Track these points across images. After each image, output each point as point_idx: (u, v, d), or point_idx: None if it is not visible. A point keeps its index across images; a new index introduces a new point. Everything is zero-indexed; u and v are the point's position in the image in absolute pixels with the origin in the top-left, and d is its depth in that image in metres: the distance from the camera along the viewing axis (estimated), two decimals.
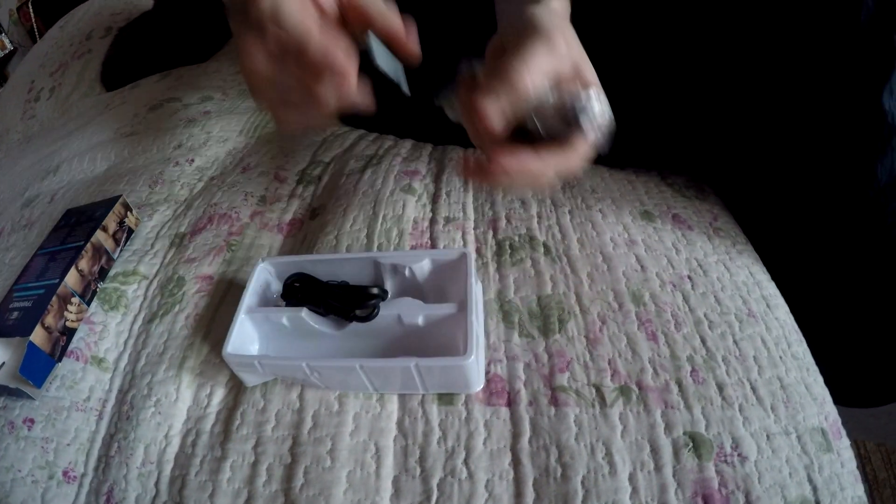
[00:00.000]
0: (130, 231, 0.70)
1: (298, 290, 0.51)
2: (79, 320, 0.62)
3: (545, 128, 0.39)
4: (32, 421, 0.55)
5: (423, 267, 0.51)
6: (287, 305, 0.51)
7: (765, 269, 0.57)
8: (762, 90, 0.54)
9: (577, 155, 0.40)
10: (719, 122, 0.58)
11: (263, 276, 0.55)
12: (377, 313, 0.47)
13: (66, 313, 0.61)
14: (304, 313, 0.49)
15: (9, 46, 2.78)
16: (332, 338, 0.50)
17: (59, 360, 0.59)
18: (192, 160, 0.79)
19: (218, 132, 0.83)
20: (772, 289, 0.55)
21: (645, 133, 0.61)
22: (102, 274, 0.65)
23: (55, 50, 1.69)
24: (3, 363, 0.63)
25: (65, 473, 0.51)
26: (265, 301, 0.54)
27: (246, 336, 0.51)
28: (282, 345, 0.52)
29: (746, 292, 0.53)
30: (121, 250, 0.68)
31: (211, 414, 0.51)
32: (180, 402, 0.52)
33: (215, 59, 1.07)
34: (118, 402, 0.55)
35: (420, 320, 0.47)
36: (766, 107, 0.54)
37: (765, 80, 0.53)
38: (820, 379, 0.48)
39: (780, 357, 0.47)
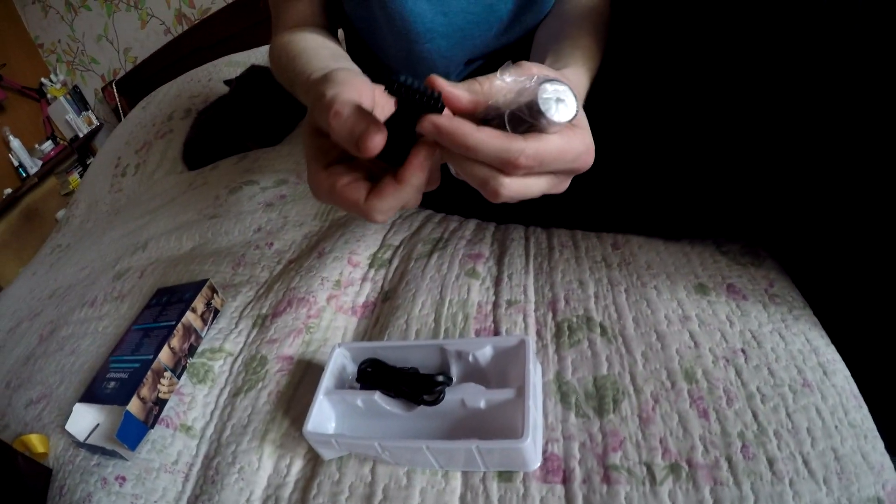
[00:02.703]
0: (216, 311, 0.76)
1: (371, 375, 0.56)
2: (170, 392, 0.67)
3: (514, 128, 0.38)
4: (124, 479, 0.61)
5: (485, 353, 0.55)
6: (361, 388, 0.56)
7: (823, 333, 0.56)
8: (815, 145, 0.53)
9: (554, 144, 0.38)
10: (772, 183, 0.58)
11: (340, 360, 0.59)
12: (443, 398, 0.51)
13: (159, 386, 0.67)
14: (377, 396, 0.53)
15: (95, 122, 3.02)
16: (401, 418, 0.54)
17: (152, 426, 0.64)
18: (272, 244, 0.86)
19: (294, 216, 0.90)
20: (830, 354, 0.54)
21: (699, 201, 0.63)
22: (192, 350, 0.71)
23: (139, 129, 1.84)
24: (98, 425, 0.69)
25: None
26: (341, 382, 0.59)
27: (324, 415, 0.56)
28: (356, 423, 0.56)
29: (802, 361, 0.52)
30: (208, 329, 0.74)
31: (290, 483, 0.55)
32: (262, 470, 0.57)
33: (288, 142, 1.16)
34: (204, 466, 0.60)
35: (482, 404, 0.50)
36: (818, 163, 0.54)
37: (818, 135, 0.52)
38: (880, 445, 0.47)
39: (836, 426, 0.47)
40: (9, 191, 2.74)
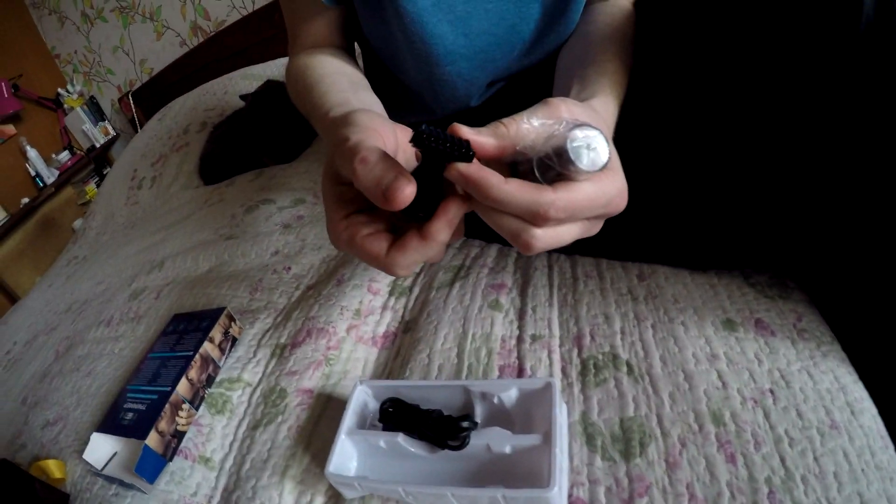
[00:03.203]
0: (234, 339, 0.76)
1: (393, 415, 0.54)
2: (188, 424, 0.67)
3: (543, 174, 0.37)
4: None
5: (510, 395, 0.53)
6: (383, 428, 0.54)
7: (851, 369, 0.55)
8: (841, 174, 0.52)
9: (585, 193, 0.37)
10: (800, 212, 0.57)
11: (362, 397, 0.58)
12: (468, 443, 0.50)
13: (177, 418, 0.66)
14: (401, 438, 0.52)
15: (112, 133, 3.04)
16: (424, 460, 0.52)
17: (171, 459, 0.64)
18: (289, 268, 0.85)
19: (312, 239, 0.89)
20: (857, 392, 0.52)
21: (726, 231, 0.61)
22: (210, 381, 0.70)
23: (155, 141, 1.84)
24: (116, 453, 0.68)
25: None
26: (363, 418, 0.57)
27: (346, 455, 0.54)
28: (378, 463, 0.55)
29: (830, 401, 0.51)
30: (226, 358, 0.73)
31: None
32: None
33: (304, 159, 1.15)
34: (223, 499, 0.59)
35: (507, 449, 0.49)
36: (845, 191, 0.53)
37: (843, 163, 0.51)
38: None
39: (863, 470, 0.46)
40: (26, 200, 2.76)
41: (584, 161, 0.35)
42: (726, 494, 0.46)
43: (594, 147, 0.35)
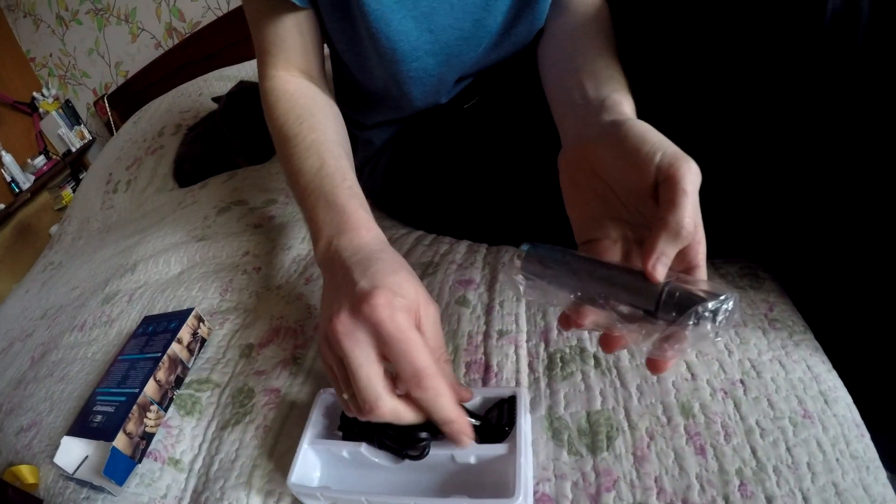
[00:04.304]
0: (203, 340, 0.75)
1: (354, 423, 0.53)
2: (157, 425, 0.66)
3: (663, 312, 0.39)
4: None
5: (474, 403, 0.53)
6: (343, 438, 0.54)
7: (825, 358, 0.55)
8: (818, 160, 0.53)
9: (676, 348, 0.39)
10: (774, 199, 0.57)
11: (325, 402, 0.58)
12: (427, 453, 0.49)
13: (145, 420, 0.65)
14: (364, 448, 0.51)
15: (88, 137, 3.01)
16: (388, 470, 0.52)
17: (140, 461, 0.63)
18: (259, 268, 0.85)
19: (282, 240, 0.89)
20: (831, 380, 0.53)
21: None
22: (178, 382, 0.70)
23: (130, 145, 1.83)
24: (87, 457, 0.68)
25: None
26: (328, 424, 0.57)
27: (309, 465, 0.54)
28: (342, 473, 0.55)
29: (803, 390, 0.51)
30: (195, 359, 0.73)
31: None
32: None
33: (276, 160, 1.14)
34: (192, 501, 0.58)
35: (472, 459, 0.49)
36: (820, 176, 0.53)
37: (820, 149, 0.52)
38: (882, 476, 0.46)
39: (837, 459, 0.46)
40: (1, 206, 2.73)
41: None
42: (696, 487, 0.46)
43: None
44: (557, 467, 0.50)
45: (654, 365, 0.42)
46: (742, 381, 0.52)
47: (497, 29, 0.72)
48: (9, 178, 2.84)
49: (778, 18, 0.50)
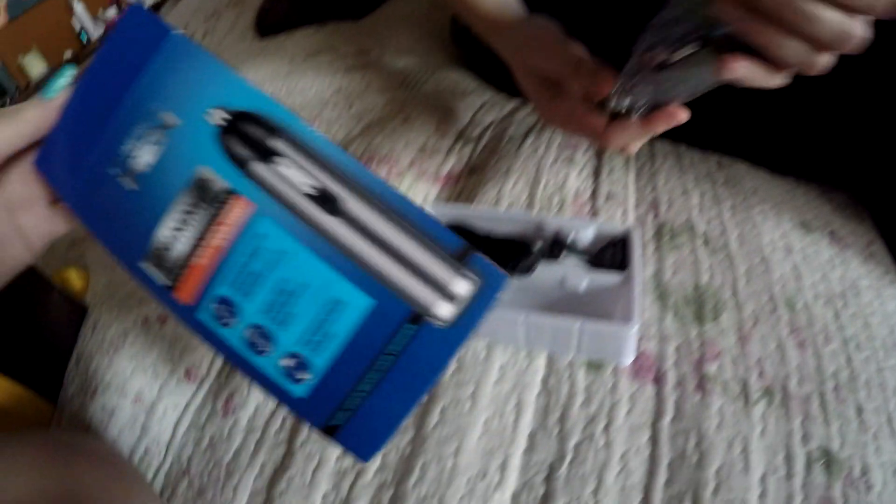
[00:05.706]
0: None
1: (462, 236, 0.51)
2: None
3: None
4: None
5: (586, 235, 0.51)
6: None
7: None
8: None
9: None
10: (883, 140, 0.55)
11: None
12: (535, 268, 0.47)
13: None
14: None
15: None
16: None
17: None
18: (351, 105, 0.82)
19: (378, 82, 0.85)
20: None
21: (810, 141, 0.59)
22: None
23: None
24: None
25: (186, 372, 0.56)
26: None
27: None
28: None
29: None
30: None
31: None
32: None
33: (370, 18, 1.10)
34: None
35: (582, 286, 0.47)
36: None
37: None
38: None
39: None
40: (69, 54, 2.74)
41: None
42: (795, 377, 0.45)
43: None
44: (662, 328, 0.49)
45: None
46: (843, 295, 0.51)
47: None
48: (78, 28, 2.84)
49: None
